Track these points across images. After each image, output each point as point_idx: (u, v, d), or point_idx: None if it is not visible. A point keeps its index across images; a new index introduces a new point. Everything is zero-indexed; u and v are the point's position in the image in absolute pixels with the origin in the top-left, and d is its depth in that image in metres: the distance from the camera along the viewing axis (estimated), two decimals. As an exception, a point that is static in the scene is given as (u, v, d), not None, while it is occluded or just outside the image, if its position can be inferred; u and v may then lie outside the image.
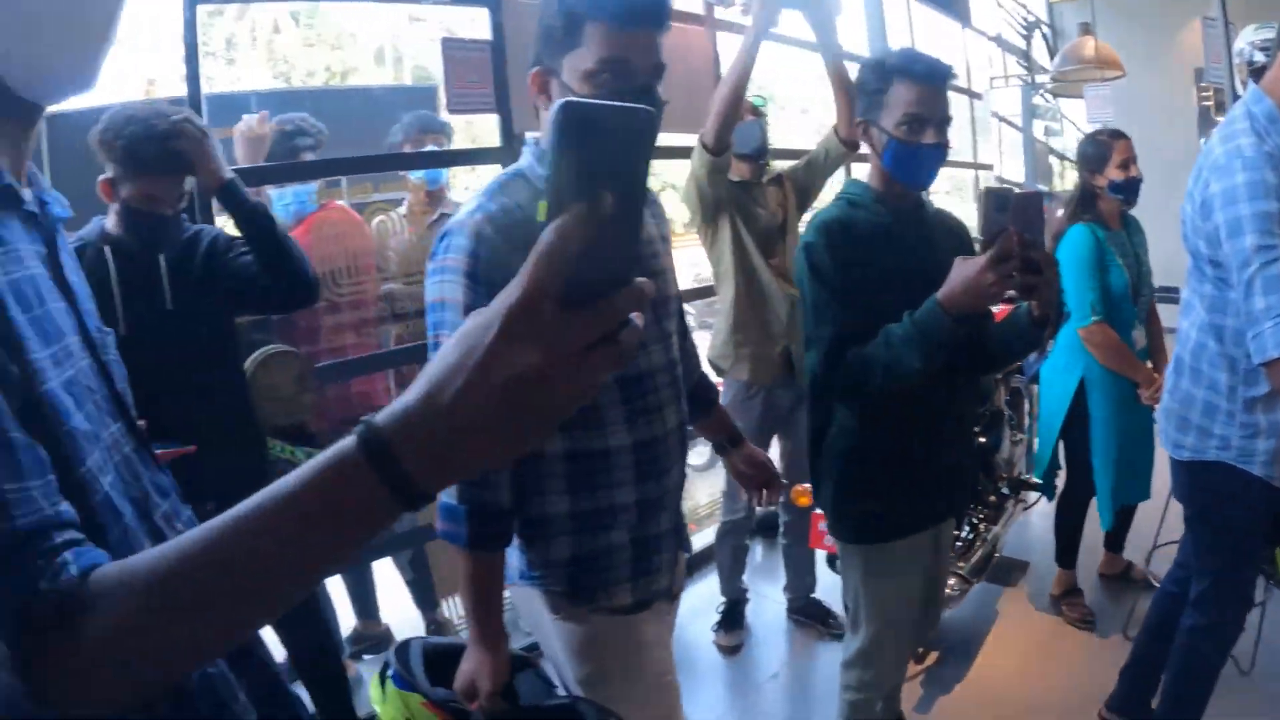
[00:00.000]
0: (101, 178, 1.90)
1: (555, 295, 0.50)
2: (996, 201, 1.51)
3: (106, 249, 1.89)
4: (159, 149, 1.85)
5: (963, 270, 1.51)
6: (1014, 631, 3.09)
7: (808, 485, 2.30)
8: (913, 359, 1.56)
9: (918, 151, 1.68)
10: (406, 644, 1.37)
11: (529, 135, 1.42)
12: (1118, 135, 2.87)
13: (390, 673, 1.31)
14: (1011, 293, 1.52)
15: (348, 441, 0.53)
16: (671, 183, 6.48)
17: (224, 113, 2.82)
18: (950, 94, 1.75)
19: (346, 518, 0.54)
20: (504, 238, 1.24)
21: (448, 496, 1.28)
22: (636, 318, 0.53)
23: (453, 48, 2.69)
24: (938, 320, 1.53)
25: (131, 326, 1.81)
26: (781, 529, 3.07)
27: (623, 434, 1.36)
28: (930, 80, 1.67)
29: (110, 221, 1.94)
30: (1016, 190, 1.57)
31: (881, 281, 1.67)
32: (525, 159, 1.38)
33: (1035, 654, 2.97)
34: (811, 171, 2.96)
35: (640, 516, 1.41)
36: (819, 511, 2.36)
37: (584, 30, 1.24)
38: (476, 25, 2.83)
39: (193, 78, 2.30)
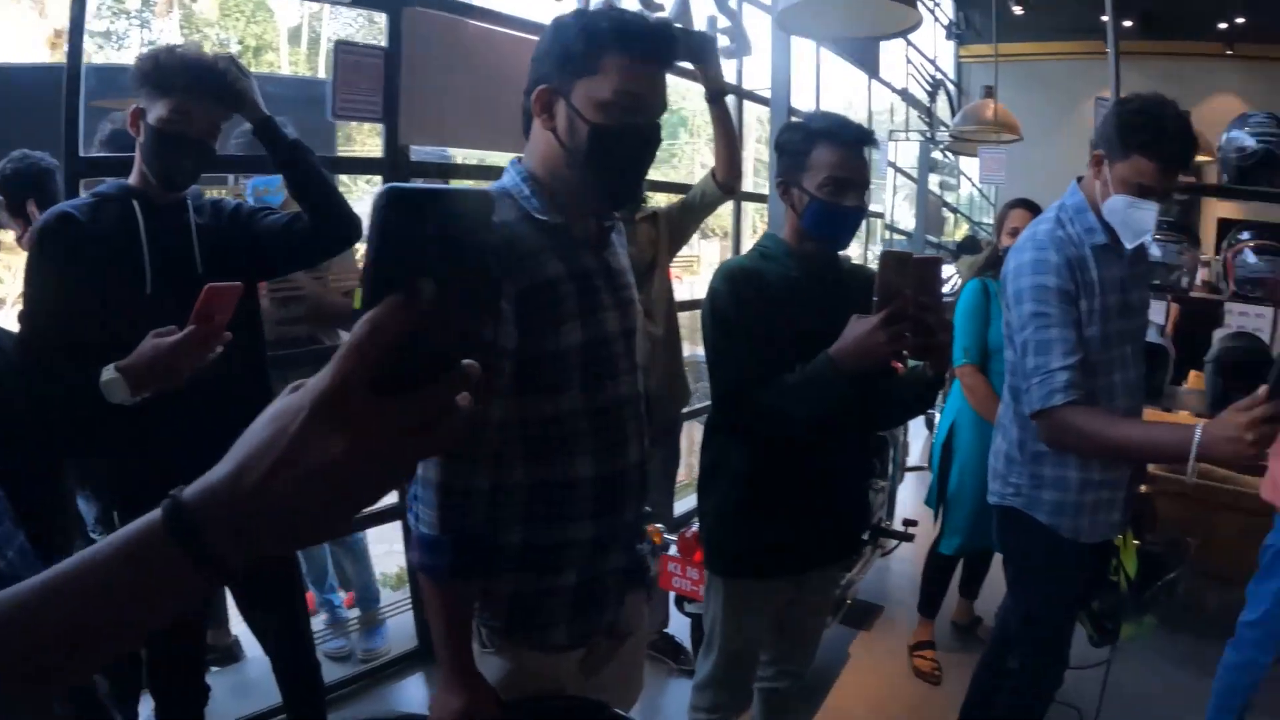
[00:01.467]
0: (132, 106, 1.77)
1: (364, 384, 0.50)
2: (895, 263, 1.54)
3: (135, 203, 1.78)
4: (209, 73, 1.76)
5: (855, 328, 1.58)
6: (864, 675, 3.15)
7: (660, 525, 2.46)
8: (799, 409, 1.64)
9: (837, 213, 1.73)
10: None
11: (513, 156, 1.39)
12: (1016, 205, 3.02)
13: None
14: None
15: (154, 515, 0.52)
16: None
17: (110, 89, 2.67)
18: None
19: (151, 589, 0.54)
20: None
21: (427, 528, 1.24)
22: (463, 400, 0.53)
23: (346, 51, 2.53)
24: (826, 374, 1.60)
25: (159, 287, 1.75)
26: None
27: (588, 466, 1.33)
28: (854, 145, 1.74)
29: (134, 176, 1.82)
30: (915, 254, 1.60)
31: (785, 332, 1.71)
32: (508, 177, 1.35)
33: (884, 699, 3.03)
34: (686, 213, 2.88)
35: (592, 554, 1.38)
36: (670, 554, 2.48)
37: (604, 60, 1.25)
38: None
39: (74, 52, 2.13)
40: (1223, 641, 2.59)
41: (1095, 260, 1.87)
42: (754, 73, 4.76)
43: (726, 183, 2.75)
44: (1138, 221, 1.83)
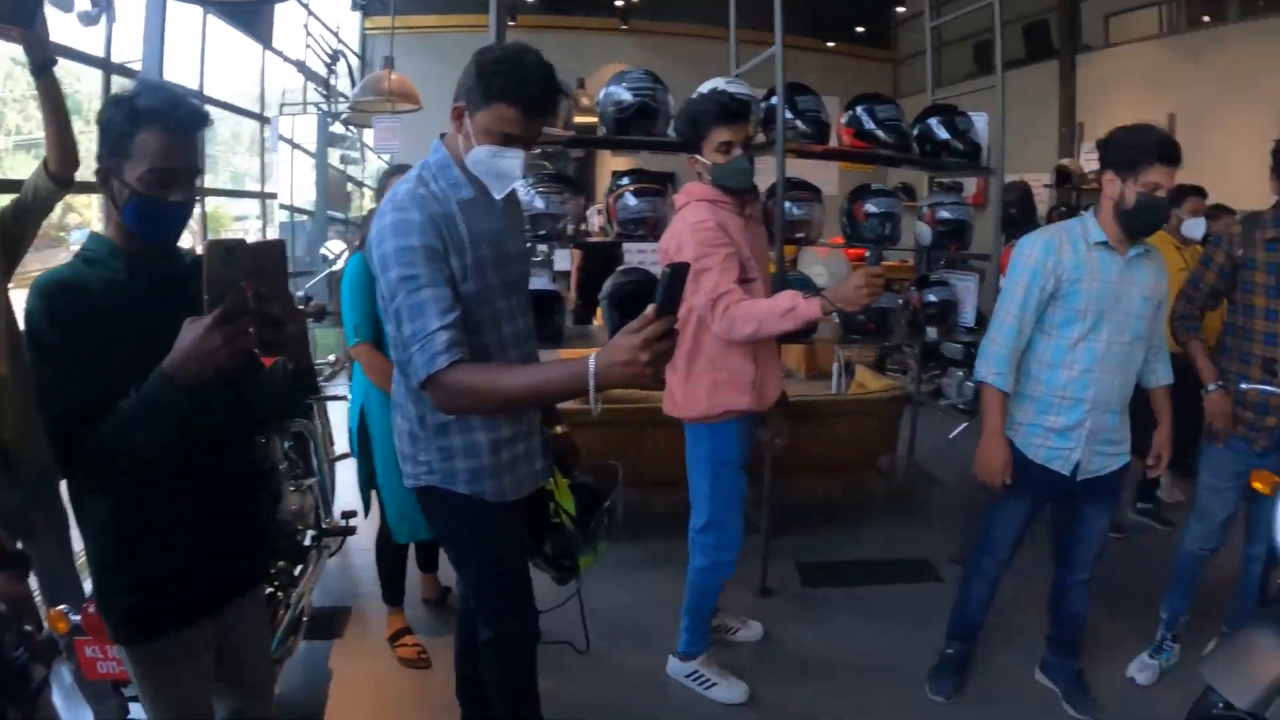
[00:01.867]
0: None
1: None
2: (222, 255, 1.35)
3: None
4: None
5: (188, 333, 1.36)
6: (353, 684, 2.97)
7: (64, 607, 1.97)
8: (139, 437, 1.39)
9: (162, 208, 1.49)
10: None
11: None
12: (396, 172, 2.94)
13: None
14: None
15: None
16: None
17: None
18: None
19: None
20: None
21: None
22: None
23: None
24: (161, 392, 1.37)
25: None
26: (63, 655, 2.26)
27: None
28: (186, 131, 1.51)
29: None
30: (248, 241, 1.44)
31: (118, 350, 1.45)
32: None
33: (382, 700, 2.91)
34: (22, 217, 2.37)
35: None
36: (81, 637, 2.01)
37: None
38: None
39: None
40: (673, 535, 2.82)
41: (464, 215, 1.81)
42: (128, 42, 4.22)
43: (61, 173, 2.30)
44: (504, 170, 1.81)
